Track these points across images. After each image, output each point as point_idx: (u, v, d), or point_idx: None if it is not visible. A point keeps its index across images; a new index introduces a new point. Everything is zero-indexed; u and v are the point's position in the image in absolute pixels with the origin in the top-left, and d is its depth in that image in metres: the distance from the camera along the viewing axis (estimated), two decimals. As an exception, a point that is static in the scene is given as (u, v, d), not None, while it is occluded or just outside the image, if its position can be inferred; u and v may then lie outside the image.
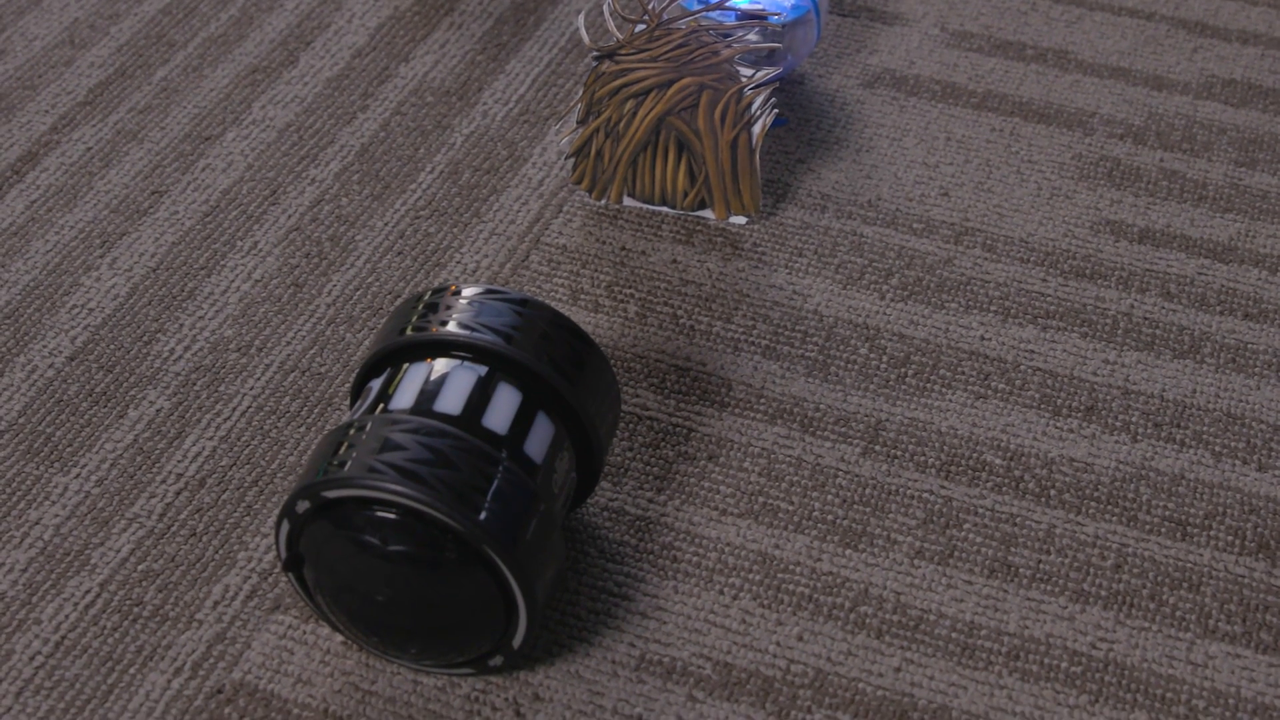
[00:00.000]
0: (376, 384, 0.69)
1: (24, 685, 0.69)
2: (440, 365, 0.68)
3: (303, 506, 0.65)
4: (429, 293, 0.71)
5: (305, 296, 0.86)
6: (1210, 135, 0.95)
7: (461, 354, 0.68)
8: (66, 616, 0.72)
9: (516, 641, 0.67)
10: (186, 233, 0.90)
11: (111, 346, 0.84)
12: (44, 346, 0.84)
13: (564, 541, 0.69)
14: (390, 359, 0.70)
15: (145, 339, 0.84)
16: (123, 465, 0.78)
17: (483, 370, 0.68)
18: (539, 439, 0.68)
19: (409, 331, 0.69)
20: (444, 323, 0.69)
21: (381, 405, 0.67)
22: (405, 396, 0.67)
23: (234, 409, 0.81)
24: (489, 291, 0.70)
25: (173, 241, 0.89)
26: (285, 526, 0.66)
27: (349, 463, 0.64)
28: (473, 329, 0.68)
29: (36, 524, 0.76)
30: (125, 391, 0.82)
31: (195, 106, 0.98)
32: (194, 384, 0.82)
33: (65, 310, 0.86)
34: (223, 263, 0.88)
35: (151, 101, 0.99)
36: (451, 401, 0.67)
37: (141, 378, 0.82)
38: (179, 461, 0.78)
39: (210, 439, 0.79)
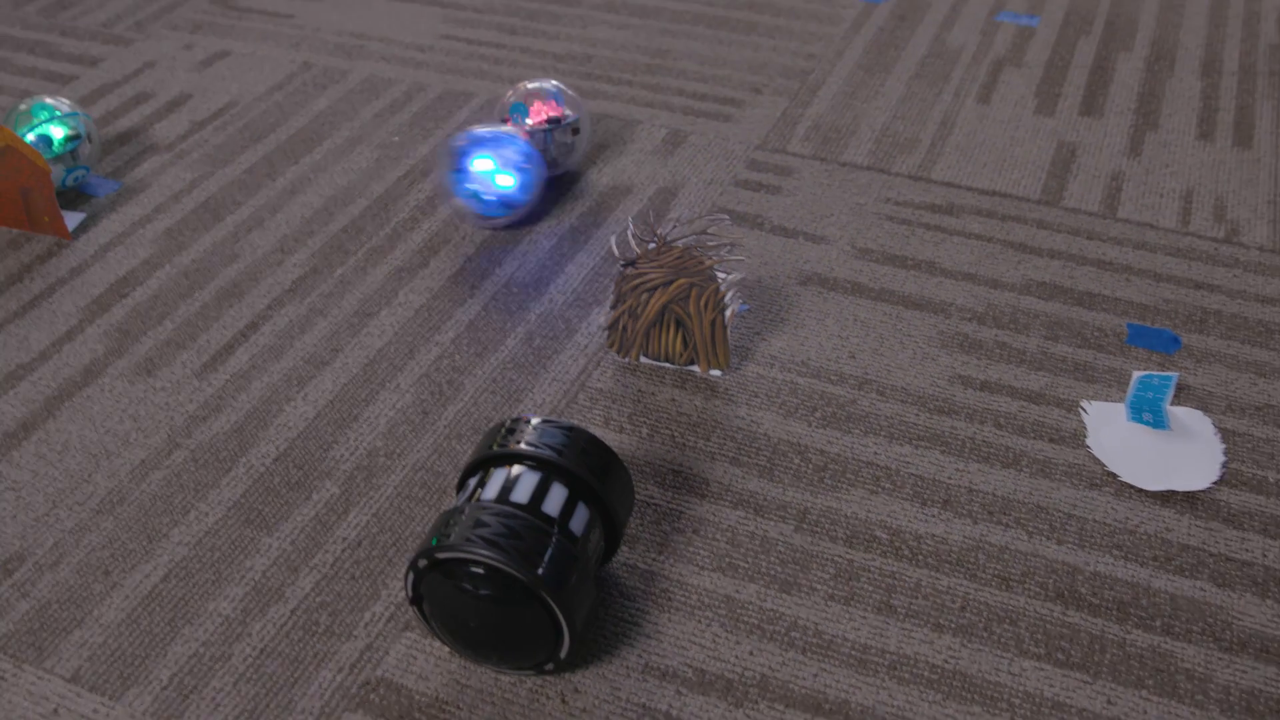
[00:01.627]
0: (473, 481, 0.71)
1: (239, 677, 0.71)
2: (515, 469, 0.70)
3: (423, 563, 0.67)
4: (509, 421, 0.73)
5: (429, 421, 0.88)
6: (1028, 319, 0.96)
7: (529, 463, 0.70)
8: (267, 631, 0.73)
9: (562, 654, 0.68)
10: (353, 377, 0.92)
11: (302, 452, 0.85)
12: (258, 451, 0.85)
13: (595, 588, 0.70)
14: (482, 465, 0.72)
15: (324, 447, 0.86)
16: (308, 531, 0.79)
17: (542, 474, 0.70)
18: (579, 520, 0.69)
19: (495, 447, 0.71)
20: (518, 442, 0.71)
21: (476, 495, 0.69)
22: (491, 490, 0.69)
23: (382, 495, 0.82)
24: (547, 421, 0.72)
25: (344, 383, 0.91)
26: (411, 576, 0.68)
27: (453, 534, 0.66)
28: (537, 446, 0.70)
29: (249, 570, 0.77)
30: (310, 482, 0.83)
31: (361, 293, 1.00)
32: (356, 478, 0.83)
33: (273, 427, 0.87)
34: (377, 397, 0.90)
35: (332, 289, 1.00)
36: (522, 494, 0.68)
37: (321, 473, 0.84)
38: (345, 529, 0.80)
39: (365, 515, 0.81)
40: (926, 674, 0.71)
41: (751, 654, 0.72)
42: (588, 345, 0.94)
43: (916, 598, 0.75)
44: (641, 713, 0.69)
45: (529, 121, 1.08)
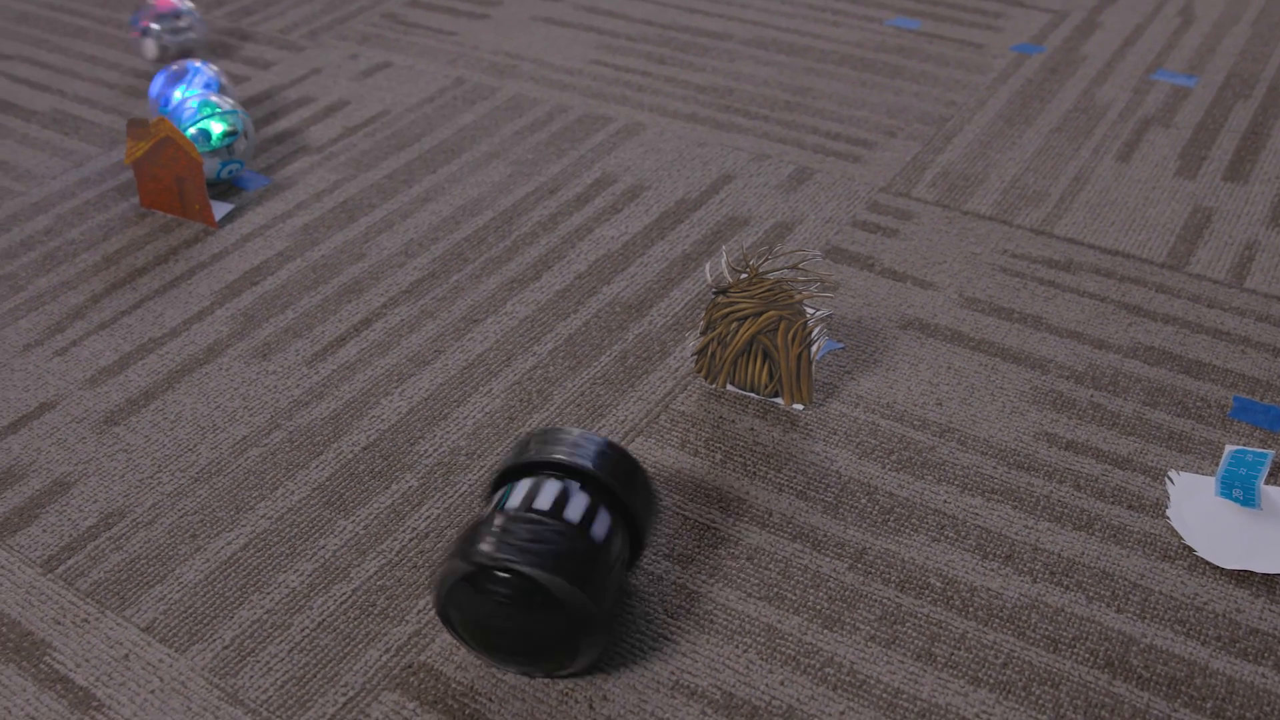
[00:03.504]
0: (498, 495, 0.74)
1: (294, 646, 0.75)
2: (538, 479, 0.72)
3: (458, 571, 0.69)
4: (536, 432, 0.75)
5: (513, 427, 0.91)
6: (1129, 382, 0.94)
7: (551, 472, 0.73)
8: (328, 607, 0.77)
9: (591, 651, 0.70)
10: (450, 378, 0.96)
11: (390, 444, 0.90)
12: (350, 439, 0.90)
13: (621, 588, 0.72)
14: (510, 475, 0.75)
15: (411, 441, 0.90)
16: (382, 518, 0.84)
17: (564, 483, 0.72)
18: (601, 525, 0.71)
19: (522, 458, 0.73)
20: (549, 453, 0.73)
21: (503, 504, 0.72)
22: (516, 499, 0.72)
23: (456, 492, 0.86)
24: (580, 432, 0.74)
25: (441, 383, 0.95)
26: (444, 586, 0.70)
27: (482, 544, 0.68)
28: (568, 456, 0.72)
29: (322, 548, 0.82)
30: (392, 473, 0.87)
31: (471, 300, 1.04)
32: (435, 473, 0.87)
33: (367, 418, 0.92)
34: (468, 400, 0.94)
35: (446, 294, 1.05)
36: (544, 501, 0.71)
37: (404, 466, 0.88)
38: (416, 520, 0.83)
39: (438, 508, 0.84)
40: (957, 726, 0.70)
41: (782, 684, 0.72)
42: (678, 369, 0.96)
43: (959, 649, 0.74)
44: (665, 727, 0.70)
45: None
